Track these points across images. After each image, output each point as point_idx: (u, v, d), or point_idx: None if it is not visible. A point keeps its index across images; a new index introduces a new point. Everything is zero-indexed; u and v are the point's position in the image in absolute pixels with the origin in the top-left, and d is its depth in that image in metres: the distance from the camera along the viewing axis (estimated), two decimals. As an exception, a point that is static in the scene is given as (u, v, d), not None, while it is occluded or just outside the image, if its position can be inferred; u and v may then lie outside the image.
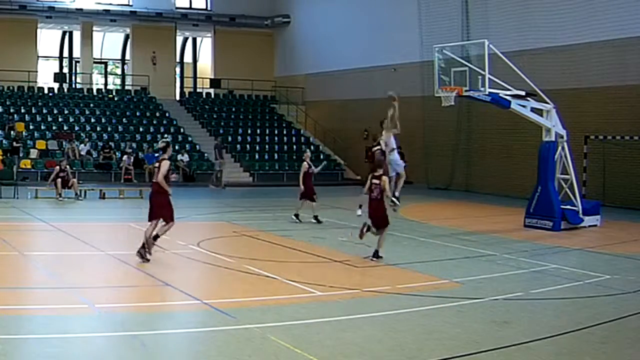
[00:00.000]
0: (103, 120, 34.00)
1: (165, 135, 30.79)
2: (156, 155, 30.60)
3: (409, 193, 27.76)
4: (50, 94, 35.41)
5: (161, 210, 12.05)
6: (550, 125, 17.46)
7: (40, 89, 35.41)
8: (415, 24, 30.15)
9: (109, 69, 41.87)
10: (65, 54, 39.21)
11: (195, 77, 42.39)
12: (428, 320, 8.72)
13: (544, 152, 17.55)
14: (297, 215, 17.93)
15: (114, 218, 19.01)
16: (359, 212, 13.33)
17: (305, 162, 18.18)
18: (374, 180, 12.65)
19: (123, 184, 28.00)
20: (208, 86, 40.07)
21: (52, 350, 6.97)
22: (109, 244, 13.99)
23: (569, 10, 24.04)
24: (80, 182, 24.17)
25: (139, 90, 37.56)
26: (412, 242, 15.16)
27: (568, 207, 17.55)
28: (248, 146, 35.15)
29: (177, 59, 40.98)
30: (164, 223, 12.12)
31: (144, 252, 11.85)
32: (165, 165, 12.01)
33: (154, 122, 35.04)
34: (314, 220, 17.65)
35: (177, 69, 41.26)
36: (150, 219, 12.09)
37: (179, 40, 40.88)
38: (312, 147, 36.31)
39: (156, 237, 12.06)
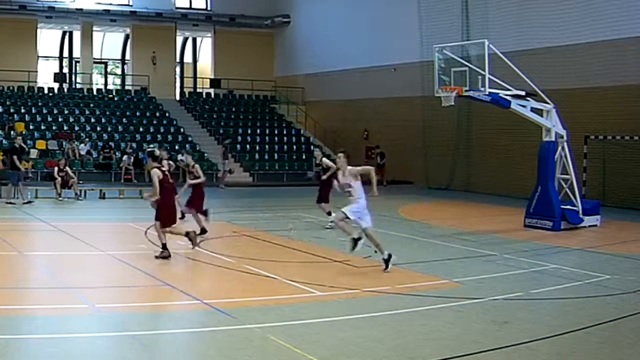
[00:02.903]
0: (103, 120, 34.01)
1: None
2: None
3: (409, 193, 27.89)
4: (50, 94, 35.42)
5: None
6: (550, 125, 17.44)
7: (40, 89, 35.42)
8: (415, 24, 30.13)
9: (109, 69, 41.87)
10: (65, 54, 39.21)
11: (195, 77, 42.39)
12: (428, 320, 8.71)
13: (544, 152, 17.53)
14: None
15: (114, 218, 18.99)
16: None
17: None
18: None
19: (123, 184, 28.02)
20: (208, 86, 40.07)
21: (52, 350, 6.96)
22: (109, 244, 14.00)
23: (569, 10, 24.03)
24: (80, 182, 24.15)
25: (139, 90, 37.56)
26: (412, 242, 15.15)
27: (568, 207, 17.53)
28: (248, 146, 35.12)
29: (177, 59, 41.00)
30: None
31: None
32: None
33: (154, 122, 35.04)
34: None
35: (177, 69, 41.26)
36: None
37: (179, 40, 40.88)
38: (312, 147, 36.40)
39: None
